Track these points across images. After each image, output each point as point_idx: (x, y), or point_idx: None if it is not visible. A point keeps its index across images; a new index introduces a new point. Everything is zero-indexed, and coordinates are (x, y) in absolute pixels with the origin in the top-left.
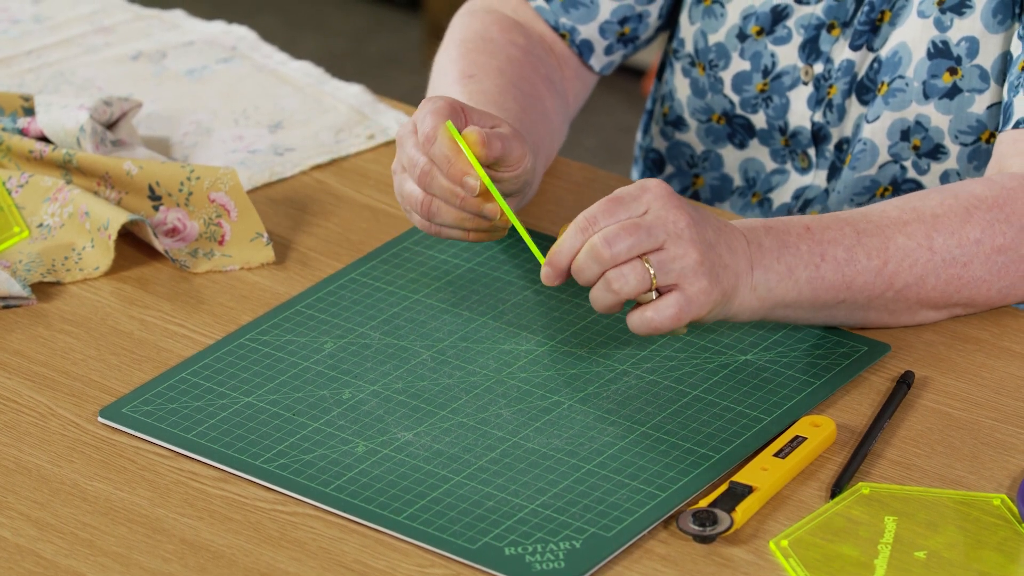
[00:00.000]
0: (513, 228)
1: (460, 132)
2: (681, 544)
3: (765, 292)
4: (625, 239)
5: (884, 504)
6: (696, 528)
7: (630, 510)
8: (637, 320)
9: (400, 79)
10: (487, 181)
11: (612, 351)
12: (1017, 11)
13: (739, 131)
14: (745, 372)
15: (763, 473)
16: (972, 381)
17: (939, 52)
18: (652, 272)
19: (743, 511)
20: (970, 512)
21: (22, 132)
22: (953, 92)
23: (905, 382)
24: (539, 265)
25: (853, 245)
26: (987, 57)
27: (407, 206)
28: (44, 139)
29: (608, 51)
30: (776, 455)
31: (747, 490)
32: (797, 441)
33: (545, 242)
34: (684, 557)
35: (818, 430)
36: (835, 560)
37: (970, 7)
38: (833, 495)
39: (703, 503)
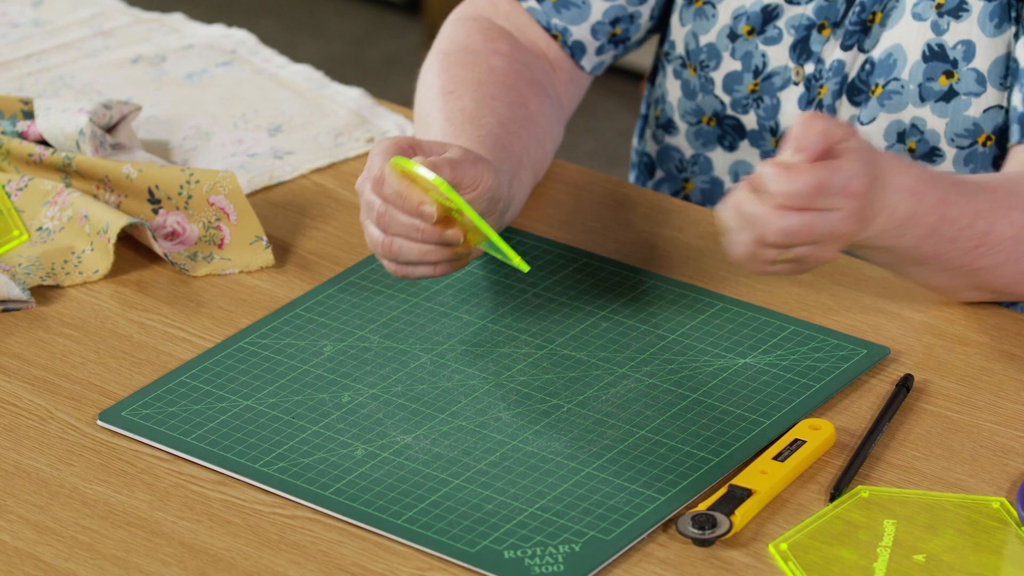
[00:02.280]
0: (485, 250)
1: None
2: (680, 547)
3: (870, 243)
4: (787, 236)
5: (883, 507)
6: (695, 531)
7: (629, 513)
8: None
9: (399, 83)
10: (452, 194)
11: (611, 355)
12: (1014, 15)
13: (729, 132)
14: (744, 375)
15: (762, 476)
16: (971, 384)
17: (935, 55)
18: (788, 256)
19: (742, 514)
20: (969, 515)
21: (22, 135)
22: (949, 95)
23: (904, 385)
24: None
25: (965, 228)
26: (983, 61)
27: (374, 252)
28: (43, 143)
29: (599, 51)
30: (775, 458)
31: (746, 493)
32: (796, 444)
33: (521, 240)
34: (683, 560)
35: (817, 433)
36: (834, 563)
37: (967, 10)
38: (832, 498)
39: (702, 506)
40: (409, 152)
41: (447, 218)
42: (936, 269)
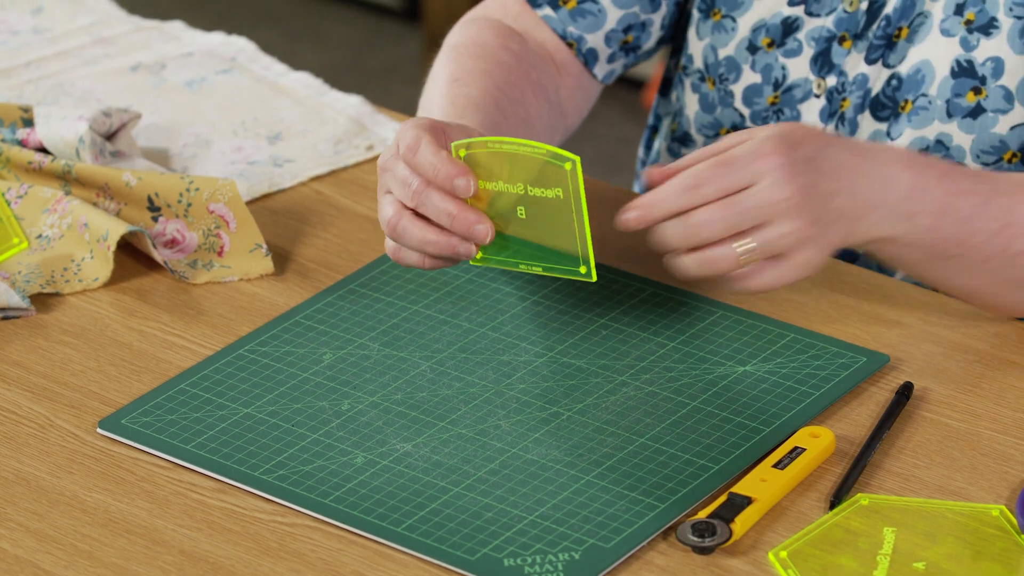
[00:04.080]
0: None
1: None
2: (680, 555)
3: (879, 233)
4: (719, 224)
5: (883, 515)
6: (695, 539)
7: (629, 521)
8: (738, 284)
9: (399, 90)
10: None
11: (611, 362)
12: None
13: None
14: (744, 383)
15: (762, 484)
16: (971, 392)
17: (964, 71)
18: (747, 248)
19: (742, 522)
20: (969, 523)
21: (21, 143)
22: (977, 112)
23: (904, 393)
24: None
25: (983, 202)
26: (1012, 78)
27: (382, 226)
28: (43, 150)
29: (611, 59)
30: (775, 466)
31: (746, 501)
32: (796, 452)
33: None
34: (683, 568)
35: (817, 441)
36: (834, 571)
37: (997, 28)
38: (832, 506)
39: (702, 514)
40: (440, 134)
41: (476, 203)
42: (968, 263)
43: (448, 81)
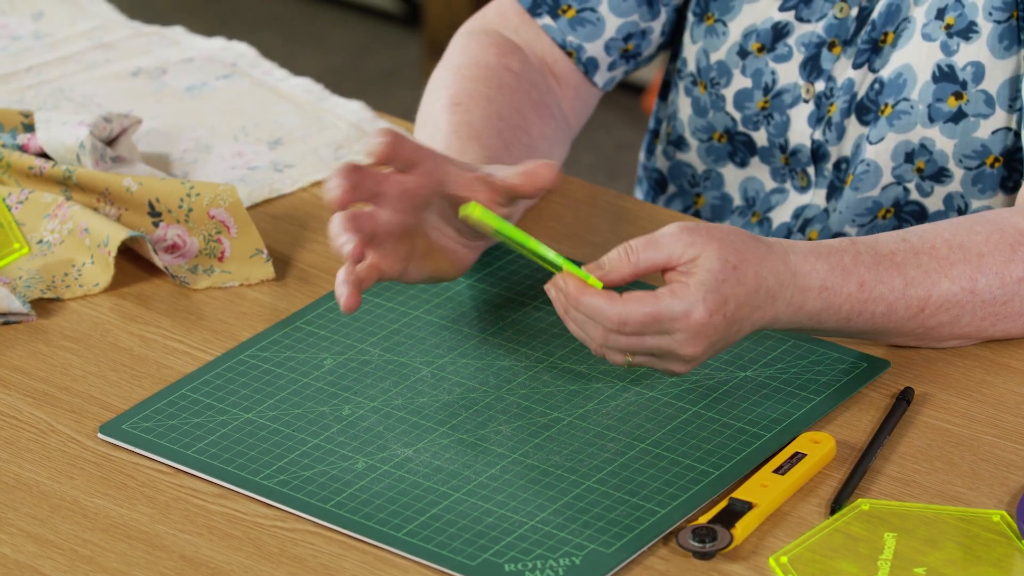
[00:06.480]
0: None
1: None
2: (681, 560)
3: (785, 330)
4: (623, 347)
5: (884, 520)
6: (696, 544)
7: (630, 526)
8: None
9: (399, 95)
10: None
11: (612, 367)
12: (1023, 37)
13: (740, 149)
14: (745, 388)
15: (763, 489)
16: (971, 397)
17: (944, 76)
18: (638, 361)
19: (743, 527)
20: (969, 528)
21: (22, 148)
22: (958, 116)
23: (905, 398)
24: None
25: (896, 299)
26: (993, 82)
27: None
28: (44, 155)
29: (611, 67)
30: (776, 471)
31: (747, 506)
32: (797, 457)
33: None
34: (684, 573)
35: (818, 446)
36: None
37: (976, 32)
38: (833, 511)
39: (703, 519)
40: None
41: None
42: (887, 337)
43: (449, 104)
